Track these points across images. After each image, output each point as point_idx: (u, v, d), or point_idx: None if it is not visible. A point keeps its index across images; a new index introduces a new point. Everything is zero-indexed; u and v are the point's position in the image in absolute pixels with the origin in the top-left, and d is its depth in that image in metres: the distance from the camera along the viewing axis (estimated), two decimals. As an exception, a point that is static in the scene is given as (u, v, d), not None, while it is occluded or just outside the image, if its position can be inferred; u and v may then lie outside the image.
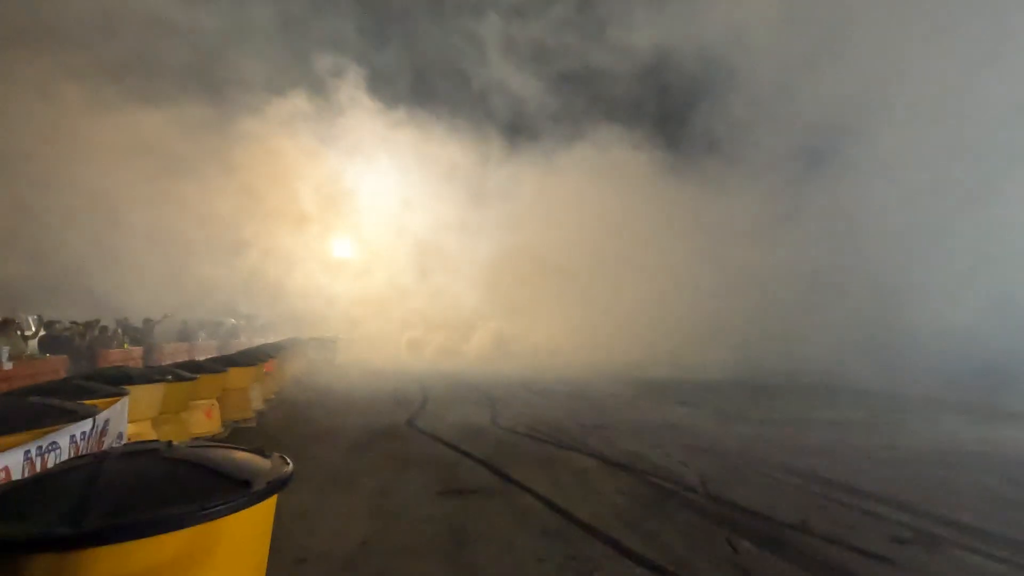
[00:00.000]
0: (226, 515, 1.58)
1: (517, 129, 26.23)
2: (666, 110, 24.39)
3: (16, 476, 2.76)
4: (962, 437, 8.03)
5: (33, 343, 10.08)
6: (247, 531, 1.73)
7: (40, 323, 11.24)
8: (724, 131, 22.16)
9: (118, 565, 1.45)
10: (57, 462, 3.09)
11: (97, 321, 12.35)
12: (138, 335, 14.33)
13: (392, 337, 24.03)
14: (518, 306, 22.85)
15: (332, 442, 7.55)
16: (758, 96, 21.47)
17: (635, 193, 23.42)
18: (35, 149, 17.84)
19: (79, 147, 18.64)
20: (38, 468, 2.97)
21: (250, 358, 10.24)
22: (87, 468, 1.65)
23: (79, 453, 3.55)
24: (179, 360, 9.82)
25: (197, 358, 10.33)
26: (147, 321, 15.85)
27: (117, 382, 5.20)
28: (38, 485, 1.64)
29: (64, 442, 3.28)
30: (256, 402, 9.78)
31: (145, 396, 5.53)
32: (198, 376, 6.94)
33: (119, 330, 13.69)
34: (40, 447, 3.05)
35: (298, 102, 23.54)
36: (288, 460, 1.97)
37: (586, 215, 23.33)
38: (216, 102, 21.90)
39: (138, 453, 1.77)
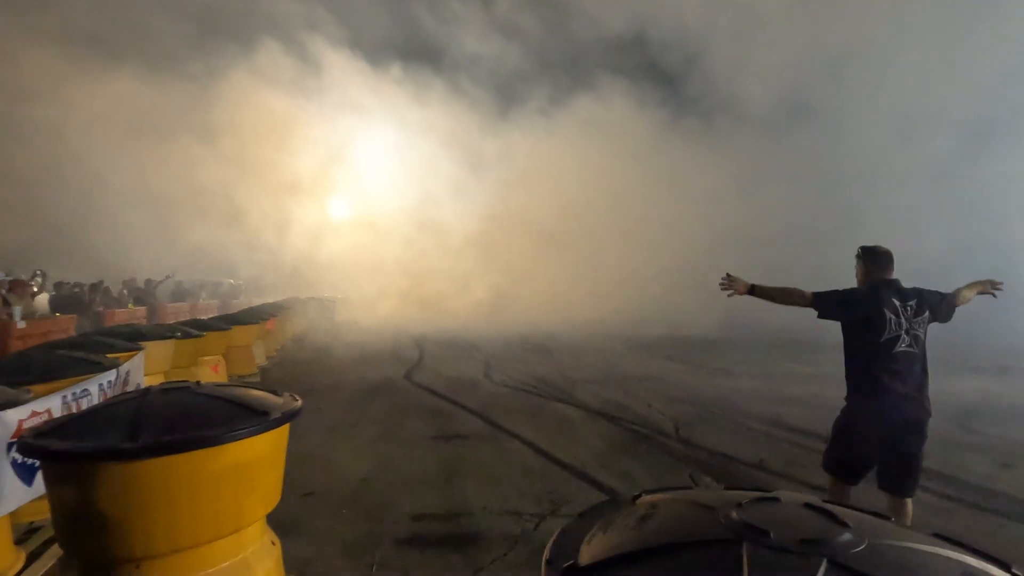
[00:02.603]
0: (250, 436, 1.96)
1: (508, 93, 26.00)
2: (656, 72, 24.13)
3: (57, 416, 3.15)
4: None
5: (44, 302, 10.43)
6: (267, 452, 2.12)
7: (44, 279, 11.56)
8: (716, 91, 22.07)
9: (167, 473, 1.84)
10: (89, 406, 3.49)
11: (101, 282, 12.67)
12: (141, 295, 14.67)
13: (389, 297, 24.44)
14: (513, 266, 23.21)
15: (333, 395, 8.02)
16: (747, 56, 21.29)
17: (627, 154, 23.45)
18: (22, 111, 17.75)
19: (73, 111, 18.54)
20: (74, 411, 3.36)
21: (252, 316, 10.64)
22: (134, 401, 2.02)
23: (107, 399, 3.96)
24: (182, 319, 10.19)
25: (199, 317, 10.71)
26: (149, 281, 16.17)
27: (131, 339, 5.59)
28: (96, 414, 2.00)
29: (94, 389, 3.67)
30: (259, 358, 10.24)
31: (158, 351, 5.92)
32: (204, 333, 7.35)
33: (125, 291, 14.03)
34: (75, 393, 3.44)
35: (287, 63, 23.23)
36: (297, 397, 2.34)
37: (579, 177, 23.41)
38: (205, 63, 21.65)
39: (174, 389, 2.14)
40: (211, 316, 11.28)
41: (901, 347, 3.01)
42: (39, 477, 2.79)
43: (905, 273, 3.30)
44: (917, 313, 3.07)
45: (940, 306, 3.17)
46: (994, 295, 3.40)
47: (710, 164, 21.78)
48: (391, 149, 25.73)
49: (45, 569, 3.05)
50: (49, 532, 3.36)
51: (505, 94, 26.24)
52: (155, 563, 1.87)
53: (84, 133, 18.23)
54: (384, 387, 8.68)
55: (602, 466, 4.92)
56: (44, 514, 3.12)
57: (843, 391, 3.18)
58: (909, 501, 3.09)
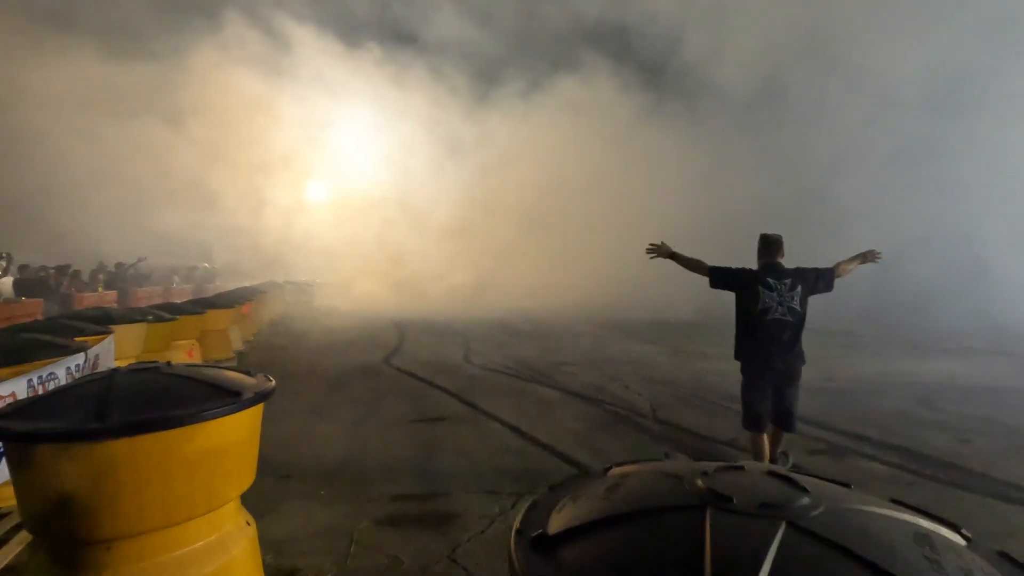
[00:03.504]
0: (223, 416, 1.94)
1: (487, 75, 25.70)
2: (636, 55, 24.04)
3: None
4: (893, 369, 8.81)
5: (7, 285, 10.11)
6: (240, 432, 2.10)
7: (9, 261, 11.19)
8: (696, 75, 22.11)
9: (137, 454, 1.81)
10: (55, 388, 3.41)
11: (69, 265, 12.32)
12: (111, 279, 14.31)
13: (369, 281, 24.23)
14: (494, 250, 23.16)
15: (311, 379, 7.96)
16: (726, 40, 21.37)
17: (608, 138, 23.45)
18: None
19: (32, 88, 17.82)
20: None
21: (228, 300, 10.48)
22: (102, 381, 1.98)
23: (73, 381, 3.87)
24: (154, 304, 9.98)
25: (173, 301, 10.50)
26: (119, 265, 15.77)
27: (100, 322, 5.47)
28: (63, 395, 1.96)
29: (61, 372, 3.59)
30: (235, 343, 10.10)
31: (128, 335, 5.80)
32: (178, 317, 7.21)
33: (100, 275, 13.67)
34: (40, 376, 3.37)
35: (258, 41, 22.60)
36: (271, 378, 2.32)
37: (559, 160, 23.35)
38: (174, 43, 20.97)
39: (143, 370, 2.10)
40: (185, 300, 11.07)
41: (774, 316, 3.76)
42: (2, 462, 2.73)
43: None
44: (791, 288, 3.77)
45: (817, 281, 3.84)
46: (875, 262, 4.04)
47: (690, 148, 21.92)
48: (369, 131, 25.33)
49: (13, 555, 3.00)
50: (16, 519, 3.30)
51: (485, 76, 25.96)
52: (126, 544, 1.85)
53: (45, 112, 17.57)
54: (363, 371, 8.64)
55: (580, 445, 4.99)
56: (10, 501, 3.06)
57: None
58: (785, 435, 4.00)
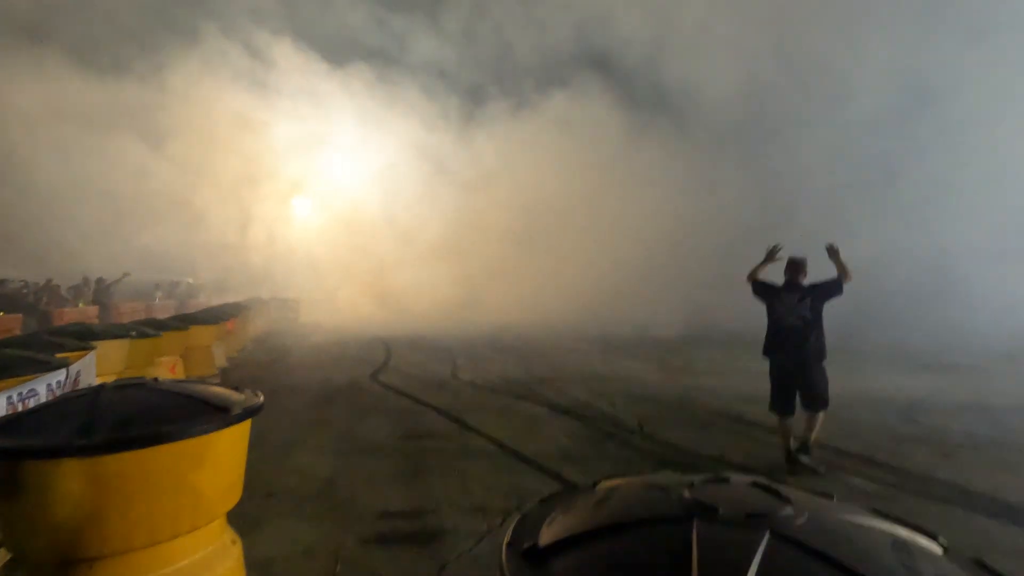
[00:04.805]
0: (210, 432, 1.93)
1: (474, 94, 26.01)
2: (622, 74, 24.47)
3: (3, 418, 3.02)
4: (873, 385, 8.93)
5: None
6: (228, 448, 2.08)
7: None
8: (680, 94, 22.54)
9: (124, 470, 1.79)
10: (37, 404, 3.35)
11: (50, 280, 12.12)
12: (94, 295, 14.08)
13: (355, 298, 24.10)
14: (481, 267, 23.18)
15: (297, 395, 7.87)
16: (710, 59, 21.88)
17: (593, 156, 23.74)
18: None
19: (9, 103, 17.66)
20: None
21: (212, 316, 10.36)
22: (87, 397, 1.96)
23: (57, 397, 3.80)
24: (137, 319, 9.84)
25: (156, 317, 10.35)
26: (100, 280, 15.53)
27: (82, 338, 5.39)
28: (47, 411, 1.94)
29: (41, 389, 3.53)
30: (219, 359, 9.97)
31: (111, 351, 5.71)
32: (161, 333, 7.12)
33: (82, 290, 13.44)
34: (20, 393, 3.30)
35: (241, 58, 22.68)
36: (259, 394, 2.31)
37: (545, 178, 23.57)
38: (152, 60, 20.97)
39: (130, 386, 2.08)
40: (168, 316, 10.92)
41: (789, 322, 4.77)
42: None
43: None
44: (801, 300, 4.74)
45: (826, 290, 4.72)
46: (831, 248, 4.83)
47: (673, 167, 22.25)
48: (355, 149, 25.37)
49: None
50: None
51: (472, 95, 26.23)
52: (109, 563, 1.83)
53: (23, 127, 17.40)
54: (350, 388, 8.57)
55: (567, 460, 4.99)
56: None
57: None
58: (820, 415, 4.74)
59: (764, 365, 5.03)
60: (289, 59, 23.49)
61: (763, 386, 5.04)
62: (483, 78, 26.03)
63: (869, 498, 4.16)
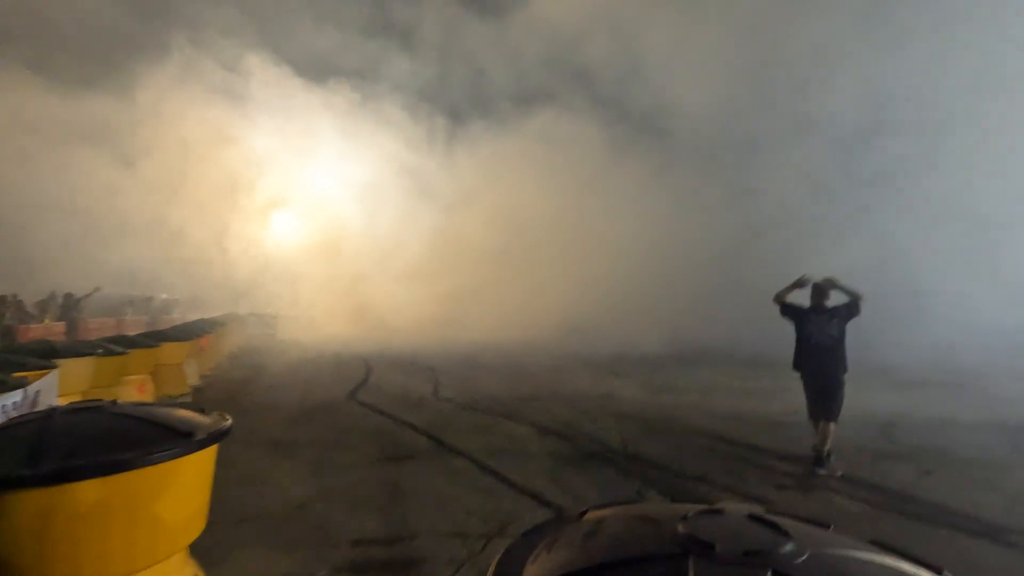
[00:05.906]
0: (170, 460, 1.80)
1: (453, 114, 26.15)
2: (603, 94, 24.82)
3: (-51, 443, 2.83)
4: (851, 403, 8.90)
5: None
6: (190, 476, 1.95)
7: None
8: (661, 113, 22.91)
9: (73, 501, 1.66)
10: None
11: (14, 295, 11.69)
12: (58, 311, 13.62)
13: (334, 315, 23.75)
14: (463, 285, 23.04)
15: (272, 415, 7.64)
16: (689, 79, 22.32)
17: (575, 175, 23.94)
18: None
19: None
20: (-30, 436, 3.03)
21: (185, 333, 10.08)
22: (37, 422, 1.82)
23: (5, 422, 3.60)
24: (106, 336, 9.50)
25: (126, 334, 10.02)
26: (68, 296, 15.04)
27: (44, 355, 5.16)
28: (-9, 437, 1.80)
29: (-4, 412, 3.33)
30: (192, 377, 9.68)
31: (74, 370, 5.48)
32: (129, 351, 6.87)
33: (53, 303, 12.99)
34: (-28, 416, 3.10)
35: (216, 70, 22.48)
36: (227, 416, 2.18)
37: (527, 197, 23.66)
38: (125, 71, 20.68)
39: (85, 409, 1.95)
40: (139, 332, 10.59)
41: (815, 341, 5.43)
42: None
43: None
44: (828, 321, 5.40)
45: (846, 311, 5.37)
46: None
47: (653, 185, 22.51)
48: (334, 165, 25.21)
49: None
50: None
51: (451, 114, 26.34)
52: (56, 604, 1.68)
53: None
54: (327, 407, 8.35)
55: (550, 482, 4.88)
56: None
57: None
58: (831, 425, 5.32)
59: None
60: (268, 75, 23.37)
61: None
62: (461, 98, 26.20)
63: (856, 519, 4.13)
